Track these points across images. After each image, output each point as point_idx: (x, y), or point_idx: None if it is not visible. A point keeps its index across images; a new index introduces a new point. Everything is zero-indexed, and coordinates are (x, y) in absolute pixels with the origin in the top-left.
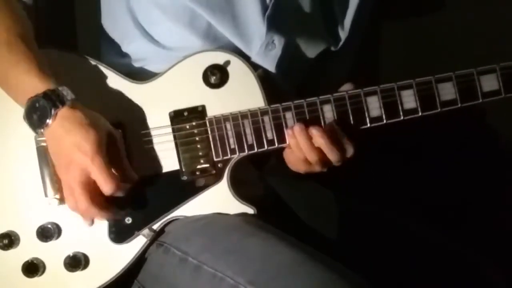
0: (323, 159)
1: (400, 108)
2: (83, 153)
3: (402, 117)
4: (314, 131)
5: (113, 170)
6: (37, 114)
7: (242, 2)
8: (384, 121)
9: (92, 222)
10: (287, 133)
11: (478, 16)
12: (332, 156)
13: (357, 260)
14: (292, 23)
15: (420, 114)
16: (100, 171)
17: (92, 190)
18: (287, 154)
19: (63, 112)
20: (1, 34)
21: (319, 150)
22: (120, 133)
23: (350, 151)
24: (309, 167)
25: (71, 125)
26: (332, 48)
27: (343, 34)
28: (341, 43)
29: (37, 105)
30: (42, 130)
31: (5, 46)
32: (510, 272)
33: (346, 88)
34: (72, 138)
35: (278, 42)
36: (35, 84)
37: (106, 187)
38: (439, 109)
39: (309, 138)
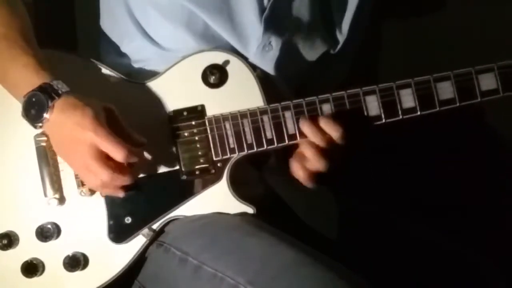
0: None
1: (399, 107)
2: (86, 129)
3: (401, 116)
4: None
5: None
6: (34, 108)
7: (239, 3)
8: (383, 120)
9: (124, 193)
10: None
11: (478, 16)
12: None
13: (357, 260)
14: (289, 25)
15: (419, 113)
16: (107, 140)
17: (107, 161)
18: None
19: (59, 103)
20: (0, 29)
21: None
22: (115, 106)
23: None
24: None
25: (67, 110)
26: (331, 51)
27: (341, 37)
28: (339, 46)
29: (34, 99)
30: (41, 124)
31: (4, 41)
32: (510, 272)
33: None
34: (72, 121)
35: (275, 43)
36: (32, 79)
37: (118, 153)
38: (437, 108)
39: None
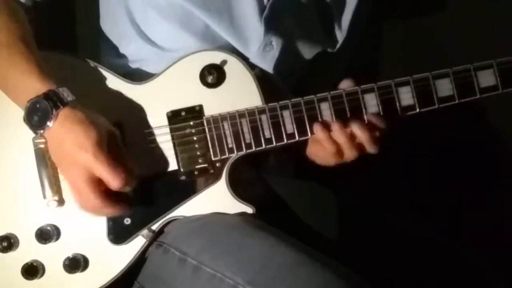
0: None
1: (397, 105)
2: (85, 151)
3: (399, 114)
4: (355, 126)
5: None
6: (38, 115)
7: (239, 4)
8: None
9: (115, 213)
10: (317, 126)
11: (477, 16)
12: (371, 148)
13: (356, 259)
14: (289, 24)
15: (417, 110)
16: (105, 167)
17: (99, 187)
18: (314, 150)
19: (64, 112)
20: (1, 35)
21: (357, 143)
22: (119, 132)
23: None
24: (341, 159)
25: (71, 124)
26: (329, 50)
27: (340, 36)
28: (338, 45)
29: (37, 106)
30: (42, 131)
31: (5, 47)
32: (510, 272)
33: (345, 84)
34: (73, 138)
35: (276, 43)
36: (35, 85)
37: (113, 182)
38: (436, 105)
39: (347, 131)
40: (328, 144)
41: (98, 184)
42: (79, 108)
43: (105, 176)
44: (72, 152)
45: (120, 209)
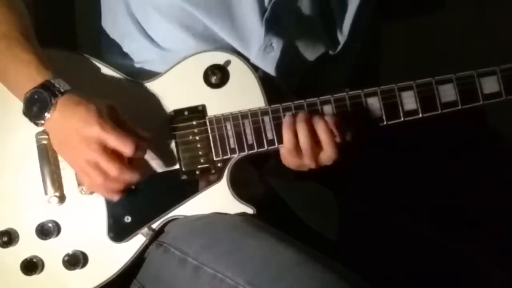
0: (314, 151)
1: (400, 109)
2: (91, 125)
3: (402, 118)
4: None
5: None
6: (36, 105)
7: (240, 5)
8: (385, 122)
9: (121, 195)
10: (285, 122)
11: (478, 16)
12: (330, 149)
13: (356, 260)
14: (290, 26)
15: (420, 115)
16: (115, 135)
17: (114, 157)
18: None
19: (62, 100)
20: (1, 28)
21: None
22: (118, 104)
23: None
24: (300, 161)
25: (71, 108)
26: (331, 52)
27: (342, 37)
28: (340, 47)
29: (36, 96)
30: (42, 121)
31: (4, 40)
32: (510, 272)
33: None
34: (76, 118)
35: (277, 45)
36: (33, 77)
37: (126, 147)
38: (439, 111)
39: (309, 129)
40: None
41: (112, 154)
42: (75, 93)
43: (116, 143)
44: (78, 131)
45: (137, 175)
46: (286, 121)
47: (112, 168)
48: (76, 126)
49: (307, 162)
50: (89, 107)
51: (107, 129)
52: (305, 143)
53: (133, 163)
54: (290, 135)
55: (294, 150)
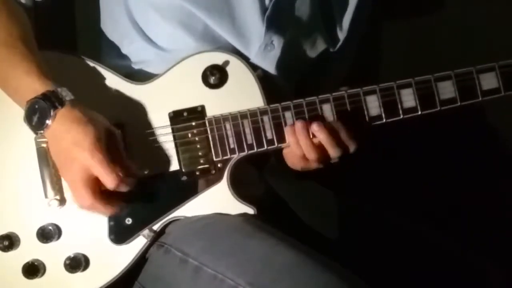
0: (321, 156)
1: (399, 107)
2: (82, 150)
3: (401, 116)
4: (315, 127)
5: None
6: (36, 115)
7: (240, 4)
8: (384, 120)
9: (110, 213)
10: (287, 130)
11: (478, 16)
12: (333, 151)
13: (356, 260)
14: (291, 24)
15: (419, 112)
16: (101, 166)
17: (95, 186)
18: (285, 152)
19: (62, 112)
20: (1, 36)
21: (318, 148)
22: (119, 132)
23: (352, 147)
24: (307, 163)
25: (70, 123)
26: (331, 49)
27: (341, 35)
28: (339, 44)
29: (36, 106)
30: (42, 131)
31: (4, 48)
32: (510, 272)
33: None
34: (71, 136)
35: (277, 43)
36: (34, 86)
37: (108, 181)
38: (438, 108)
39: (309, 135)
40: (295, 147)
41: (94, 183)
42: (78, 107)
43: (101, 174)
44: (70, 151)
45: (113, 209)
46: (287, 130)
47: (85, 196)
48: (69, 145)
49: (314, 165)
50: (87, 129)
51: (96, 157)
52: (309, 151)
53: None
54: (295, 143)
55: (303, 157)
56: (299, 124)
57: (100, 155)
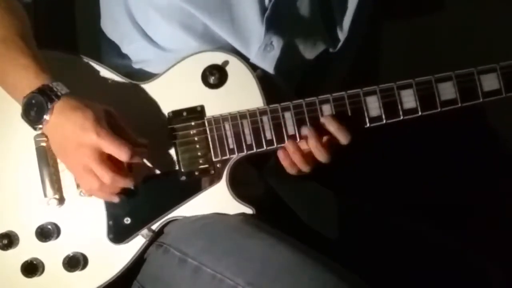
0: (315, 165)
1: (399, 107)
2: (88, 131)
3: (401, 117)
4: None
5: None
6: (34, 110)
7: (240, 4)
8: (384, 121)
9: (119, 198)
10: (279, 154)
11: (478, 16)
12: (324, 159)
13: (356, 260)
14: (290, 24)
15: (420, 113)
16: (110, 141)
17: (110, 163)
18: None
19: (59, 104)
20: None
21: (311, 159)
22: (115, 111)
23: (346, 137)
24: (300, 171)
25: (68, 112)
26: (331, 50)
27: (341, 35)
28: (339, 44)
29: (33, 101)
30: (40, 126)
31: (3, 44)
32: (510, 272)
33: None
34: (72, 123)
35: (277, 43)
36: (31, 81)
37: (122, 153)
38: (439, 109)
39: (301, 152)
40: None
41: (108, 160)
42: (73, 97)
43: (112, 149)
44: (75, 136)
45: (131, 181)
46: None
47: (105, 176)
48: (72, 131)
49: (306, 170)
50: (86, 112)
51: (103, 135)
52: (303, 166)
53: (132, 167)
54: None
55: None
56: (290, 147)
57: (106, 132)
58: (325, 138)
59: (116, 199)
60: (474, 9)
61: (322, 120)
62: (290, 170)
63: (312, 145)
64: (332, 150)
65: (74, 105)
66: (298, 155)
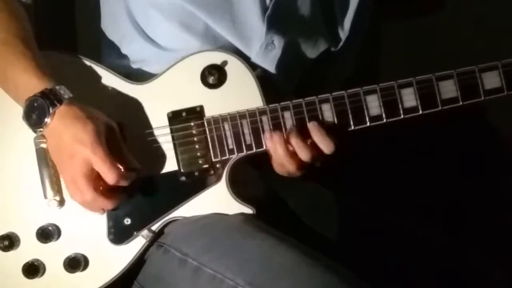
0: (300, 163)
1: (400, 106)
2: (83, 145)
3: (402, 116)
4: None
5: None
6: (35, 113)
7: (241, 3)
8: (384, 120)
9: (104, 211)
10: (265, 137)
11: (478, 16)
12: (305, 156)
13: (357, 260)
14: (292, 23)
15: (420, 112)
16: (102, 160)
17: (96, 181)
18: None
19: (61, 110)
20: (0, 34)
21: (295, 156)
22: (117, 126)
23: (328, 147)
24: (287, 171)
25: (69, 120)
26: (332, 49)
27: (343, 34)
28: (341, 43)
29: (35, 104)
30: (41, 129)
31: (3, 46)
32: (510, 272)
33: None
34: (71, 132)
35: (278, 42)
36: (33, 84)
37: (109, 175)
38: (440, 107)
39: (285, 142)
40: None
41: (95, 178)
42: (76, 104)
43: (102, 169)
44: (70, 147)
45: (114, 202)
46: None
47: (87, 193)
48: (69, 142)
49: (292, 170)
50: (87, 125)
51: (97, 152)
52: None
53: (118, 186)
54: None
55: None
56: (276, 137)
57: (102, 151)
58: (309, 141)
59: (101, 213)
60: (475, 11)
61: (309, 126)
62: (279, 169)
63: (293, 141)
64: (316, 153)
65: (76, 114)
66: (281, 149)
